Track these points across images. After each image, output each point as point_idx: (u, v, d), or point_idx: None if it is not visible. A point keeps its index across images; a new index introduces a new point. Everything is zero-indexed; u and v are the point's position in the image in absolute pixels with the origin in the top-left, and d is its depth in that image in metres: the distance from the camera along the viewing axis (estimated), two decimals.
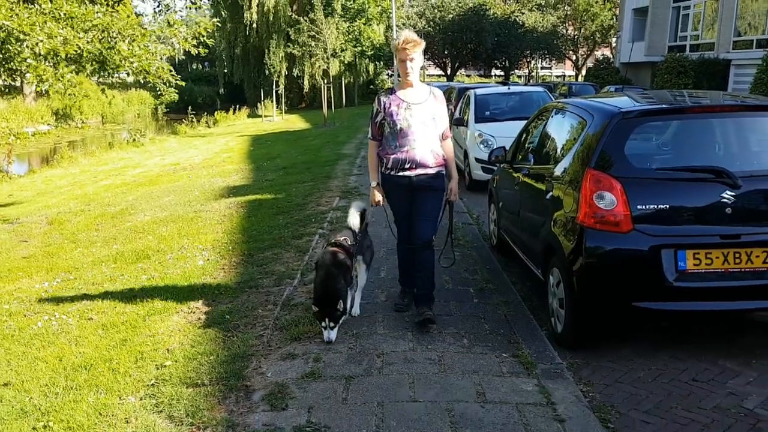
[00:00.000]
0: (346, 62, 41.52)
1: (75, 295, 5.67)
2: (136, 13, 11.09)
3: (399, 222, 4.68)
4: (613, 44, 44.67)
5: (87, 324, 4.82)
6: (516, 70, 60.72)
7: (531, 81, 54.90)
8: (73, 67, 6.61)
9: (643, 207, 3.83)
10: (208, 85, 52.28)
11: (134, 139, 25.07)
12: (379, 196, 4.59)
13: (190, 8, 8.70)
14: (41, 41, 5.92)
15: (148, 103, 48.53)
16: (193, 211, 9.27)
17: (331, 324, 4.11)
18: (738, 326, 4.57)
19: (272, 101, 36.39)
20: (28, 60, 6.19)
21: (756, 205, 3.85)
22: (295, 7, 41.10)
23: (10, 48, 6.18)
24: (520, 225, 5.36)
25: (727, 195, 3.78)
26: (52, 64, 6.48)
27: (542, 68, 69.71)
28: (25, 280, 6.46)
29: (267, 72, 40.59)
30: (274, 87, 36.93)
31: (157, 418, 3.25)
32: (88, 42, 6.61)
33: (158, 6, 8.64)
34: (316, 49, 32.57)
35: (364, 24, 42.69)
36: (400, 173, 4.41)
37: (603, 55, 43.22)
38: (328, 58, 32.07)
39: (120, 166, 17.97)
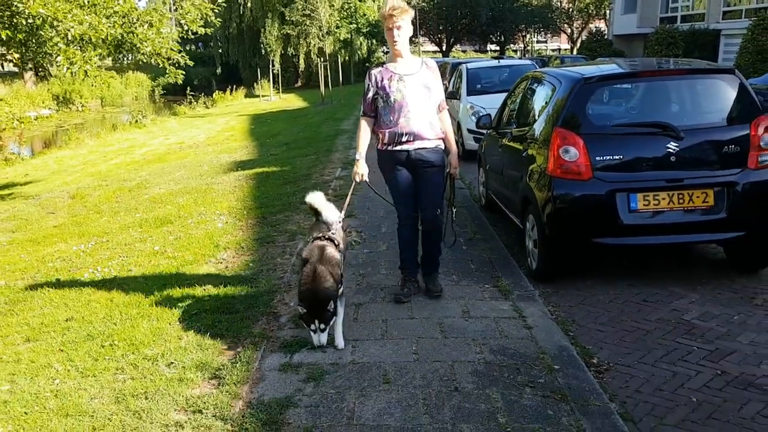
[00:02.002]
0: (341, 39, 41.90)
1: (111, 254, 6.41)
2: None
3: (399, 201, 4.41)
4: (608, 17, 45.03)
5: (128, 274, 5.57)
6: (511, 45, 61.04)
7: (526, 55, 55.21)
8: (99, 51, 7.27)
9: (602, 158, 4.56)
10: (203, 65, 52.59)
11: (137, 121, 25.67)
12: (362, 170, 4.29)
13: None
14: (72, 27, 6.59)
15: (145, 85, 48.87)
16: (205, 183, 9.98)
17: (321, 326, 3.65)
18: (689, 260, 5.34)
19: (269, 81, 36.88)
20: (59, 44, 6.85)
21: (696, 154, 4.58)
22: None
23: (43, 34, 6.85)
24: (503, 182, 6.09)
25: (672, 146, 4.51)
26: (79, 47, 7.15)
27: (538, 42, 69.86)
28: (62, 244, 7.19)
29: (263, 52, 40.99)
30: (270, 66, 37.38)
31: (204, 334, 4.01)
32: (110, 27, 7.28)
33: None
34: (311, 27, 33.01)
35: (360, 1, 42.93)
36: (398, 147, 4.23)
37: (596, 27, 43.54)
38: (323, 36, 32.53)
39: (126, 146, 18.63)
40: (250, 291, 4.77)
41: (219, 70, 46.65)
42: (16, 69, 44.01)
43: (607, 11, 44.18)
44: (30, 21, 6.61)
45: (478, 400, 3.13)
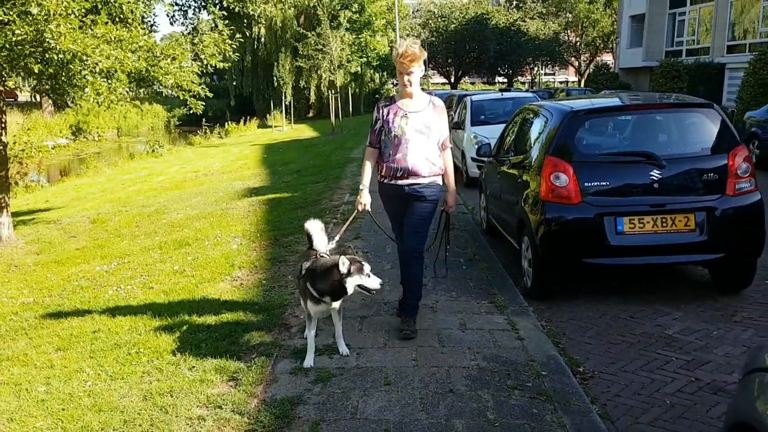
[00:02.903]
0: (352, 72, 42.84)
1: (133, 273, 6.80)
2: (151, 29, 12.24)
3: (395, 230, 4.66)
4: (615, 50, 45.77)
5: (150, 291, 5.95)
6: (519, 77, 61.99)
7: (534, 87, 56.00)
8: (122, 83, 7.77)
9: (590, 184, 4.94)
10: (218, 97, 53.60)
11: (153, 150, 26.39)
12: (364, 200, 4.42)
13: (215, 32, 9.73)
14: (101, 61, 7.10)
15: (161, 116, 50.00)
16: (221, 208, 10.41)
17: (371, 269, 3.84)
18: (676, 281, 5.66)
19: (281, 112, 37.73)
20: (87, 77, 7.36)
21: (678, 181, 4.94)
22: (302, 20, 42.50)
23: (72, 68, 7.35)
24: (502, 207, 6.47)
25: (655, 173, 4.88)
26: (105, 79, 7.66)
27: (546, 75, 70.80)
28: (85, 265, 7.60)
29: (276, 84, 41.98)
30: (283, 98, 38.25)
31: (222, 342, 4.37)
32: (135, 60, 7.79)
33: (187, 30, 9.89)
34: (323, 61, 33.92)
35: (370, 36, 44.00)
36: (393, 182, 4.37)
37: (601, 60, 44.24)
38: (334, 70, 33.39)
39: (144, 174, 19.19)
40: (263, 305, 5.13)
41: (233, 102, 47.66)
42: (35, 99, 45.39)
43: (614, 45, 44.95)
44: (61, 56, 7.11)
45: (471, 400, 3.46)
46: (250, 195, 11.67)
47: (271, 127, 37.19)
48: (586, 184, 4.93)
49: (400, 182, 4.35)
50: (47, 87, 8.38)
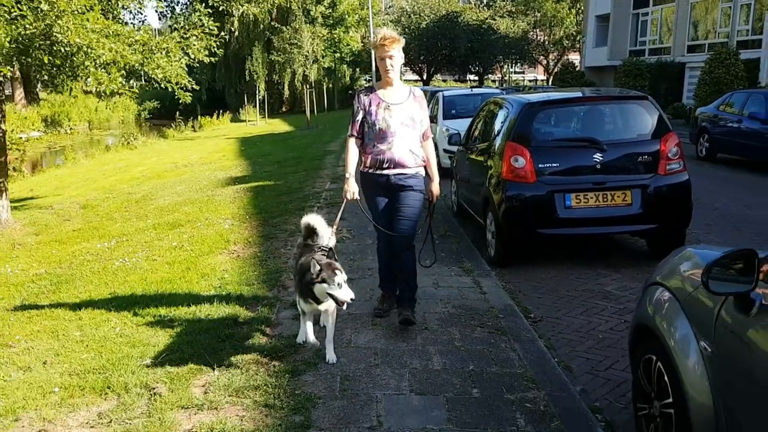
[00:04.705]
0: (325, 68, 43.45)
1: (134, 249, 7.44)
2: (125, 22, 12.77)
3: (377, 221, 4.51)
4: (581, 49, 47.12)
5: (154, 262, 6.62)
6: (490, 75, 63.15)
7: (504, 85, 57.17)
8: (123, 72, 8.40)
9: (543, 165, 5.78)
10: (188, 91, 53.48)
11: (128, 142, 26.67)
12: (352, 188, 4.35)
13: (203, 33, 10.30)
14: (103, 54, 7.72)
15: (131, 109, 49.79)
16: (206, 195, 11.04)
17: (345, 277, 3.65)
18: (618, 250, 6.56)
19: (254, 106, 38.17)
20: (89, 68, 7.97)
21: (617, 162, 5.82)
22: (275, 15, 42.90)
23: (76, 59, 7.96)
24: (470, 189, 7.29)
25: (597, 156, 5.74)
26: (104, 71, 8.26)
27: (515, 73, 72.09)
28: (85, 243, 8.19)
29: (249, 78, 42.35)
30: (256, 92, 38.70)
31: (229, 299, 5.09)
32: (132, 53, 8.41)
33: (176, 24, 10.57)
34: (298, 55, 34.53)
35: (343, 32, 44.65)
36: (378, 172, 4.36)
37: (567, 59, 45.52)
38: (309, 65, 34.03)
39: (122, 165, 19.61)
40: (261, 270, 5.86)
41: (204, 96, 47.82)
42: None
43: (581, 44, 46.28)
44: (67, 49, 7.72)
45: (442, 334, 4.26)
46: (233, 183, 12.31)
47: (244, 121, 37.61)
48: (540, 165, 5.77)
49: (386, 172, 4.33)
50: (46, 77, 8.93)
